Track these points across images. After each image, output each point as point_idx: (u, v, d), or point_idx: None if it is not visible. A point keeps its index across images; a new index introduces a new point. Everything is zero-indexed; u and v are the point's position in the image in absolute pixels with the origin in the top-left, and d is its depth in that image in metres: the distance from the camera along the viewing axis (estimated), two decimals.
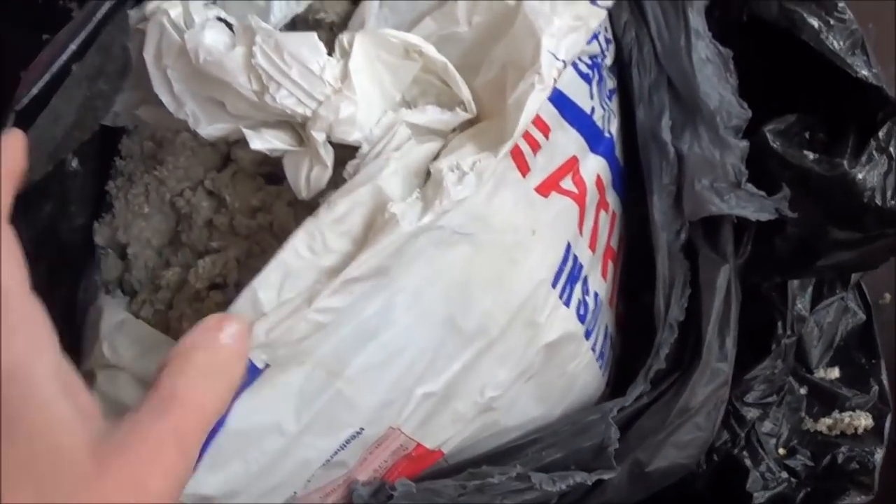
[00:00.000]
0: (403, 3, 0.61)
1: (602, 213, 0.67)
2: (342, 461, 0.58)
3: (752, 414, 0.71)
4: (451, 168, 0.53)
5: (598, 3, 0.61)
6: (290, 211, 0.63)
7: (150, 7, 0.62)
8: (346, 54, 0.57)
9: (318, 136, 0.56)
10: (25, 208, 0.65)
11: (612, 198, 0.68)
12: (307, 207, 0.61)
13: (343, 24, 0.65)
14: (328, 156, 0.56)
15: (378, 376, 0.57)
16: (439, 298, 0.57)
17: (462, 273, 0.58)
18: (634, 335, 0.73)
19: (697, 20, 0.69)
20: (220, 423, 0.54)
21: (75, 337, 0.69)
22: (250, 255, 0.63)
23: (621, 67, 0.70)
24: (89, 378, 0.62)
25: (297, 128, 0.58)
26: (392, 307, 0.56)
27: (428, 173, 0.56)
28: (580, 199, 0.63)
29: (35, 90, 0.65)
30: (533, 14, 0.56)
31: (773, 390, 0.71)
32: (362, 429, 0.58)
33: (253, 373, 0.52)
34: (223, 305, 0.61)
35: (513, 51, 0.57)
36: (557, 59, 0.56)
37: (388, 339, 0.57)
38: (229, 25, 0.59)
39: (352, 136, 0.56)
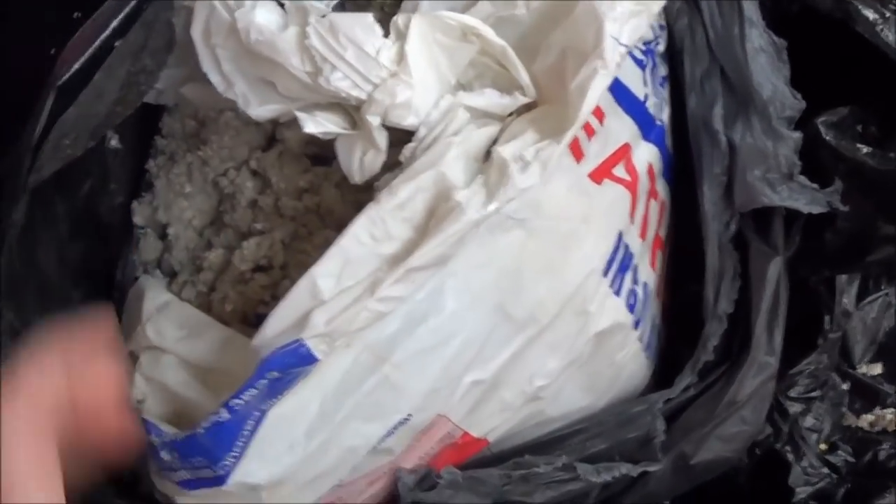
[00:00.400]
0: None
1: (652, 201, 0.65)
2: (388, 448, 0.57)
3: (795, 408, 0.69)
4: (515, 156, 0.52)
5: None
6: (337, 193, 0.61)
7: None
8: (401, 36, 0.55)
9: (373, 119, 0.54)
10: (66, 185, 0.64)
11: (661, 186, 0.67)
12: (355, 190, 0.60)
13: (395, 3, 0.64)
14: (382, 139, 0.55)
15: (426, 362, 0.56)
16: (491, 285, 0.56)
17: (515, 260, 0.56)
18: (678, 325, 0.72)
19: (751, 8, 0.67)
20: (263, 411, 0.53)
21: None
22: (296, 237, 0.62)
23: (672, 55, 0.69)
24: (131, 360, 0.60)
25: (349, 110, 0.57)
26: (442, 292, 0.54)
27: (486, 155, 0.55)
28: (632, 187, 0.62)
29: (77, 66, 0.63)
30: None
31: (817, 385, 0.70)
32: (410, 415, 0.56)
33: (309, 361, 0.51)
34: (268, 288, 0.60)
35: (573, 35, 0.56)
36: (620, 43, 0.55)
37: (438, 325, 0.55)
38: (281, 4, 0.58)
39: (407, 120, 0.55)
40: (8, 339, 0.61)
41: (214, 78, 0.58)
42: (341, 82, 0.54)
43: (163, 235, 0.67)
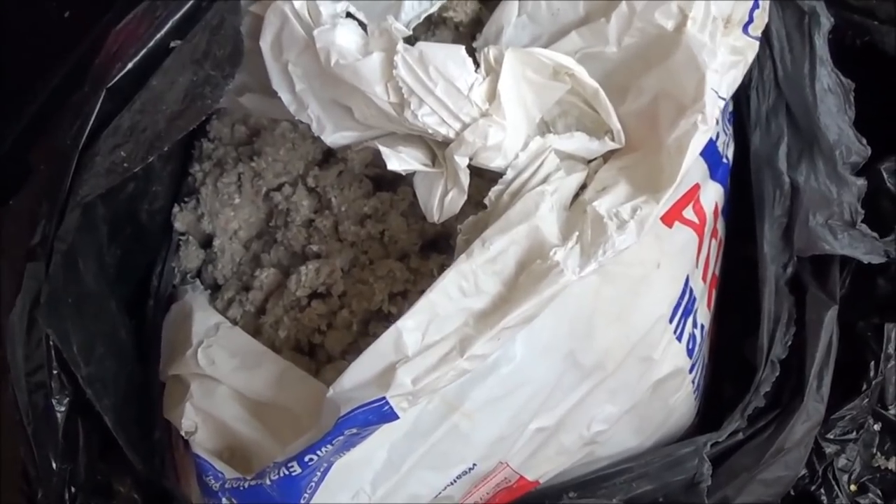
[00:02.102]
0: (544, 11, 0.56)
1: (713, 241, 0.62)
2: (449, 496, 0.54)
3: (831, 449, 0.68)
4: (611, 212, 0.48)
5: (750, 32, 0.56)
6: (403, 222, 0.57)
7: None
8: (492, 71, 0.51)
9: (461, 161, 0.50)
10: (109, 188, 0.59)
11: (721, 224, 0.64)
12: (421, 219, 0.56)
13: (470, 24, 0.59)
14: (466, 180, 0.51)
15: (496, 410, 0.53)
16: (564, 332, 0.53)
17: (588, 307, 0.54)
18: (718, 359, 0.70)
19: (822, 46, 0.64)
20: (332, 462, 0.50)
21: (144, 321, 0.64)
22: (356, 264, 0.58)
23: (738, 88, 0.65)
24: (179, 384, 0.56)
25: (431, 145, 0.53)
26: (514, 340, 0.51)
27: (574, 199, 0.52)
28: (700, 230, 0.59)
29: (129, 66, 0.58)
30: (696, 46, 0.51)
31: (854, 427, 0.68)
32: (475, 465, 0.54)
33: (390, 419, 0.47)
34: (325, 317, 0.57)
35: (670, 82, 0.52)
36: (720, 97, 0.51)
37: (509, 373, 0.52)
38: (361, 24, 0.53)
39: (495, 162, 0.51)
40: (51, 355, 0.57)
41: (286, 97, 0.54)
42: (429, 118, 0.50)
43: (204, 244, 0.63)
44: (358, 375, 0.48)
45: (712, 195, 0.60)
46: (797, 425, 0.63)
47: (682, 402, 0.62)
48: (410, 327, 0.47)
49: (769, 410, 0.64)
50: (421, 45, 0.50)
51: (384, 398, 0.46)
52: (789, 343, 0.64)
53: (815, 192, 0.63)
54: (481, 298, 0.48)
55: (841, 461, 0.68)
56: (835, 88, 0.64)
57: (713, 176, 0.61)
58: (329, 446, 0.47)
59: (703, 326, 0.62)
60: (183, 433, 0.54)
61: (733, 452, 0.63)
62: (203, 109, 0.55)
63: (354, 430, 0.47)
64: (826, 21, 0.64)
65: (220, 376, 0.55)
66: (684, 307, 0.59)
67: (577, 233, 0.49)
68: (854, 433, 0.68)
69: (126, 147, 0.55)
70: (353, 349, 0.57)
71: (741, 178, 0.66)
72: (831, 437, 0.67)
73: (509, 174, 0.51)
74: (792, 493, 0.67)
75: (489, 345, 0.47)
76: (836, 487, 0.67)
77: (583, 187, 0.53)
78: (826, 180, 0.63)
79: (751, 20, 0.56)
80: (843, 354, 0.67)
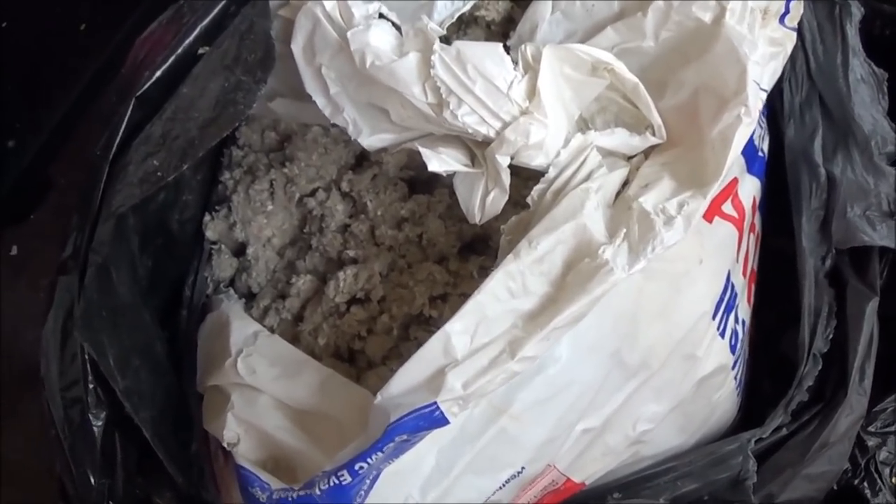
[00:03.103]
0: (579, 8, 0.54)
1: (751, 235, 0.61)
2: (498, 500, 0.53)
3: (872, 442, 0.66)
4: (657, 208, 0.47)
5: (787, 23, 0.54)
6: (441, 224, 0.56)
7: None
8: (530, 69, 0.50)
9: (503, 160, 0.49)
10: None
11: (758, 218, 0.62)
12: (457, 219, 0.55)
13: (502, 22, 0.58)
14: (508, 179, 0.50)
15: (543, 412, 0.51)
16: (609, 331, 0.52)
17: (633, 304, 0.52)
18: (757, 354, 0.68)
19: (854, 37, 0.63)
20: (381, 469, 0.48)
21: (177, 332, 0.63)
22: (394, 268, 0.56)
23: None
24: (218, 395, 0.55)
25: (470, 145, 0.51)
26: (559, 341, 0.50)
27: (617, 196, 0.50)
28: (739, 224, 0.58)
29: (158, 74, 0.57)
30: (736, 38, 0.50)
31: (895, 420, 0.67)
32: (523, 468, 0.52)
33: (441, 424, 0.46)
34: (365, 322, 0.55)
35: (711, 75, 0.51)
36: (762, 89, 0.50)
37: (555, 374, 0.51)
38: (395, 25, 0.52)
39: (536, 160, 0.50)
40: (87, 369, 0.55)
41: (320, 101, 0.53)
42: (468, 117, 0.49)
43: (238, 252, 0.62)
44: (406, 381, 0.46)
45: (750, 189, 0.59)
46: (841, 419, 0.61)
47: (725, 398, 0.61)
48: (459, 330, 0.46)
49: (812, 405, 0.62)
50: (458, 43, 0.49)
51: (435, 403, 0.45)
52: (831, 336, 0.62)
53: (852, 184, 0.62)
54: (529, 299, 0.47)
55: (882, 454, 0.67)
56: (868, 79, 0.63)
57: (750, 170, 0.59)
58: (379, 454, 0.46)
59: (744, 322, 0.61)
60: (225, 444, 0.53)
61: (777, 448, 0.62)
62: (236, 116, 0.53)
63: (405, 437, 0.46)
64: (857, 11, 0.63)
65: (261, 385, 0.53)
66: (726, 303, 0.57)
67: (623, 230, 0.47)
68: (895, 425, 0.67)
69: (159, 156, 0.54)
70: (394, 354, 0.56)
71: (774, 170, 0.65)
72: (872, 429, 0.66)
73: (551, 172, 0.50)
74: (835, 487, 0.66)
75: (539, 346, 0.46)
76: (878, 480, 0.66)
77: (625, 184, 0.51)
78: (862, 171, 0.62)
79: (787, 11, 0.55)
80: (882, 345, 0.66)
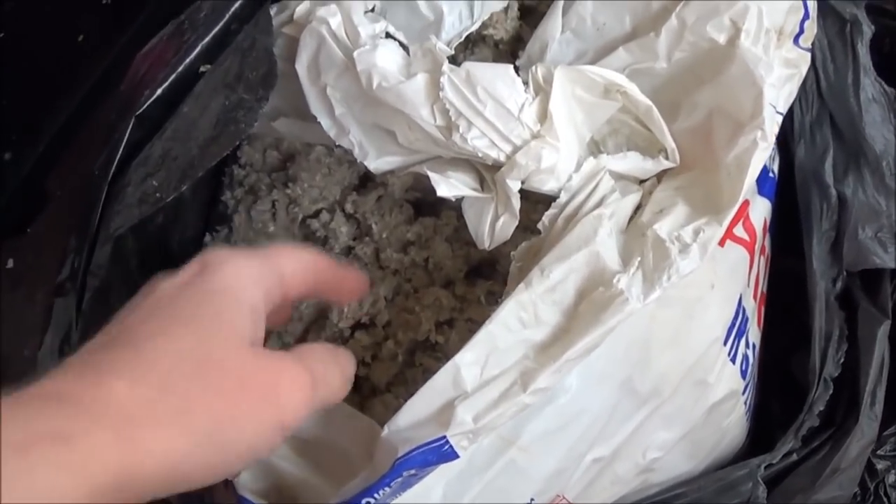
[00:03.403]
0: (589, 27, 0.52)
1: (761, 258, 0.59)
2: None
3: (882, 466, 0.64)
4: (672, 236, 0.45)
5: (801, 44, 0.52)
6: (448, 248, 0.54)
7: (300, 9, 0.52)
8: (541, 91, 0.48)
9: (513, 185, 0.47)
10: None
11: (768, 240, 0.60)
12: (465, 244, 0.53)
13: (510, 41, 0.56)
14: (518, 204, 0.48)
15: (553, 443, 0.49)
16: (620, 359, 0.50)
17: (645, 331, 0.50)
18: (766, 376, 0.66)
19: (865, 55, 0.61)
20: (388, 501, 0.46)
21: None
22: (399, 292, 0.54)
23: None
24: None
25: (479, 168, 0.49)
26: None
27: (629, 221, 0.48)
28: (750, 247, 0.56)
29: (158, 92, 0.55)
30: (752, 60, 0.48)
31: None
32: (532, 499, 0.50)
33: (451, 458, 0.44)
34: (370, 348, 0.53)
35: (725, 98, 0.49)
36: (777, 112, 0.48)
37: (564, 404, 0.49)
38: (402, 45, 0.50)
39: (547, 186, 0.48)
40: None
41: (325, 122, 0.51)
42: (478, 141, 0.47)
43: None
44: (415, 413, 0.44)
45: (761, 211, 0.57)
46: (852, 444, 0.59)
47: (734, 424, 0.59)
48: (469, 361, 0.44)
49: (822, 430, 0.60)
50: (467, 64, 0.47)
51: (444, 437, 0.43)
52: (842, 360, 0.60)
53: (864, 205, 0.60)
54: (541, 329, 0.44)
55: (892, 477, 0.65)
56: (879, 98, 0.61)
57: (761, 191, 0.57)
58: (387, 489, 0.44)
59: (754, 346, 0.59)
60: None
61: (787, 474, 0.60)
62: (237, 134, 0.51)
63: (413, 472, 0.44)
64: (868, 29, 0.61)
65: None
66: (738, 328, 0.55)
67: (638, 258, 0.45)
68: None
69: (158, 176, 0.52)
70: (399, 381, 0.54)
71: (784, 191, 0.63)
72: (882, 453, 0.64)
73: (563, 197, 0.48)
74: None
75: (552, 378, 0.44)
76: None
77: (637, 209, 0.49)
78: (874, 192, 0.60)
79: (801, 31, 0.53)
80: (892, 368, 0.64)
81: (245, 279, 0.40)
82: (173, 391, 0.35)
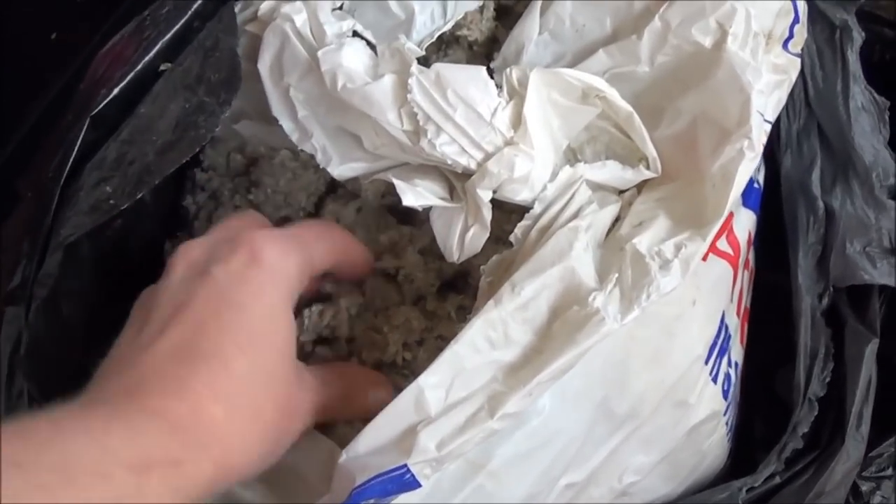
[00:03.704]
0: (568, 29, 0.49)
1: (745, 272, 0.55)
2: None
3: (866, 487, 0.61)
4: (652, 251, 0.41)
5: (790, 49, 0.49)
6: (420, 260, 0.50)
7: (265, 6, 0.48)
8: (515, 94, 0.44)
9: (484, 194, 0.43)
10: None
11: (752, 254, 0.57)
12: (438, 257, 0.49)
13: (485, 42, 0.52)
14: (489, 215, 0.44)
15: (524, 468, 0.46)
16: (597, 379, 0.46)
17: (623, 350, 0.47)
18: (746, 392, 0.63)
19: (856, 63, 0.57)
20: None
21: None
22: (368, 308, 0.50)
23: None
24: None
25: (448, 176, 0.46)
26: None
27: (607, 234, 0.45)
28: (734, 261, 0.52)
29: (115, 92, 0.51)
30: (739, 65, 0.44)
31: (891, 464, 0.61)
32: None
33: (412, 487, 0.40)
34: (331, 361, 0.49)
35: (710, 104, 0.45)
36: (766, 120, 0.44)
37: (536, 427, 0.45)
38: (370, 44, 0.46)
39: (520, 195, 0.44)
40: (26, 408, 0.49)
41: (287, 125, 0.47)
42: (448, 147, 0.43)
43: None
44: (374, 439, 0.41)
45: (745, 223, 0.54)
46: (837, 467, 0.56)
47: (715, 445, 0.55)
48: (433, 384, 0.40)
49: (807, 452, 0.57)
50: (437, 66, 0.43)
51: (405, 465, 0.39)
52: (828, 380, 0.57)
53: (852, 218, 0.57)
54: (511, 350, 0.41)
55: (877, 498, 0.61)
56: (868, 107, 0.58)
57: (746, 203, 0.54)
58: None
59: (737, 364, 0.55)
60: None
61: (770, 497, 0.56)
62: (197, 140, 0.48)
63: (371, 502, 0.40)
64: (858, 36, 0.58)
65: None
66: (720, 346, 0.52)
67: (616, 274, 0.42)
68: (890, 469, 0.61)
69: (112, 182, 0.48)
70: None
71: (769, 202, 0.59)
72: (867, 474, 0.60)
73: (537, 208, 0.44)
74: None
75: (522, 402, 0.40)
76: None
77: (615, 221, 0.46)
78: (863, 205, 0.57)
79: (791, 35, 0.49)
80: (878, 387, 0.60)
81: (292, 275, 0.42)
82: (260, 418, 0.39)
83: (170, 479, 0.34)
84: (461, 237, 0.45)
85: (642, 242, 0.42)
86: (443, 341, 0.47)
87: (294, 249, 0.42)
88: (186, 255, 0.43)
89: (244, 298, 0.40)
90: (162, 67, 0.52)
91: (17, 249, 0.54)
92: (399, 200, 0.52)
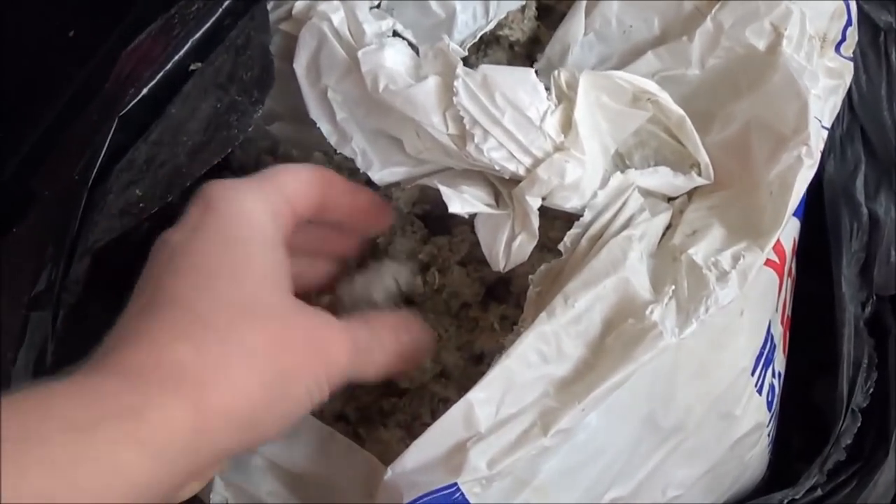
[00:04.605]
0: (615, 30, 0.47)
1: (788, 280, 0.53)
2: None
3: None
4: (708, 262, 0.39)
5: (842, 53, 0.47)
6: (463, 272, 0.48)
7: (300, 5, 0.46)
8: (565, 98, 0.42)
9: (533, 201, 0.41)
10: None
11: (794, 261, 0.55)
12: (481, 263, 0.47)
13: (527, 43, 0.50)
14: (537, 223, 0.42)
15: (571, 483, 0.43)
16: (644, 393, 0.44)
17: (670, 363, 0.44)
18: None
19: None
20: None
21: None
22: None
23: None
24: None
25: (494, 182, 0.43)
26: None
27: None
28: (780, 270, 0.50)
29: (144, 91, 0.49)
30: (796, 69, 0.42)
31: None
32: None
33: None
34: None
35: (765, 110, 0.43)
36: (823, 126, 0.42)
37: (585, 441, 0.43)
38: (411, 45, 0.44)
39: (570, 203, 0.42)
40: None
41: (326, 128, 0.45)
42: (496, 152, 0.41)
43: None
44: (422, 455, 0.38)
45: (790, 231, 0.51)
46: (881, 479, 0.54)
47: (757, 457, 0.53)
48: (483, 399, 0.38)
49: (849, 464, 0.55)
50: (484, 68, 0.41)
51: (455, 484, 0.37)
52: (871, 391, 0.55)
53: None
54: (563, 364, 0.39)
55: None
56: None
57: None
58: None
59: (780, 375, 0.53)
60: None
61: None
62: (229, 141, 0.45)
63: None
64: None
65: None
66: (766, 356, 0.50)
67: (671, 286, 0.39)
68: None
69: (142, 184, 0.46)
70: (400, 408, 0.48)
71: (811, 208, 0.57)
72: None
73: (587, 216, 0.42)
74: None
75: (575, 418, 0.38)
76: None
77: (666, 229, 0.43)
78: None
79: (843, 39, 0.47)
80: None
81: (252, 212, 0.39)
82: (237, 343, 0.35)
83: (128, 430, 0.31)
84: (508, 245, 0.43)
85: (698, 253, 0.40)
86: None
87: (256, 192, 0.40)
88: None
89: (196, 245, 0.38)
90: (192, 67, 0.50)
91: (40, 253, 0.51)
92: (429, 209, 0.50)
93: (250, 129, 0.50)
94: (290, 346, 0.37)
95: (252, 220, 0.39)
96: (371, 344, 0.41)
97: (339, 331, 0.39)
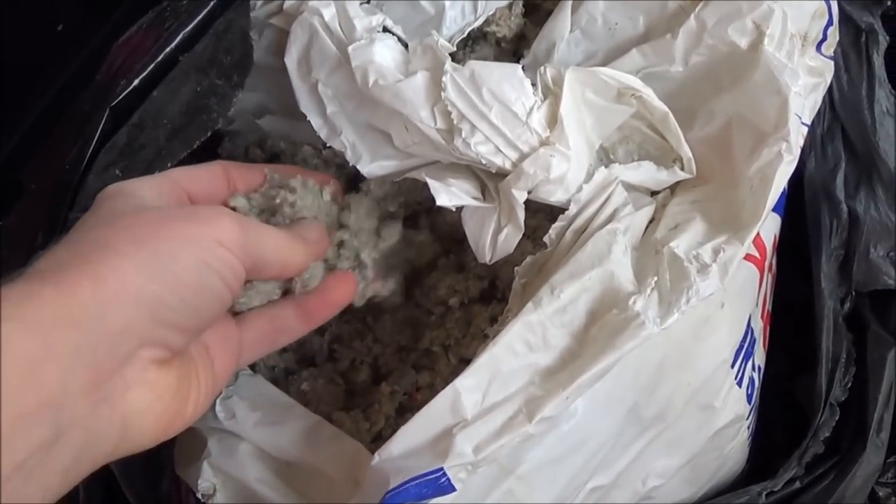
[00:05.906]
0: (600, 27, 0.47)
1: (769, 275, 0.54)
2: None
3: (883, 493, 0.60)
4: (690, 255, 0.40)
5: (823, 52, 0.48)
6: (463, 278, 0.49)
7: (290, 1, 0.46)
8: (551, 93, 0.43)
9: (519, 195, 0.42)
10: None
11: (775, 257, 0.56)
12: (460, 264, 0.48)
13: (513, 39, 0.51)
14: (523, 216, 0.43)
15: (554, 472, 0.45)
16: (628, 383, 0.45)
17: (654, 354, 0.45)
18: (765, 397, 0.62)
19: (881, 66, 0.56)
20: None
21: None
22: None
23: None
24: (193, 438, 0.48)
25: (481, 175, 0.44)
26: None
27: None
28: (760, 264, 0.51)
29: (135, 83, 0.50)
30: (777, 66, 0.43)
31: None
32: None
33: (447, 491, 0.39)
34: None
35: (747, 106, 0.44)
36: (803, 123, 0.43)
37: (568, 431, 0.44)
38: (401, 41, 0.45)
39: (555, 196, 0.43)
40: None
41: (316, 121, 0.46)
42: (482, 146, 0.42)
43: None
44: (409, 441, 0.39)
45: (771, 226, 0.53)
46: (858, 473, 0.55)
47: (737, 450, 0.54)
48: (469, 387, 0.39)
49: (827, 457, 0.56)
50: (472, 63, 0.42)
51: (441, 469, 0.38)
52: (849, 385, 0.56)
53: (876, 223, 0.56)
54: (549, 353, 0.40)
55: (891, 502, 0.61)
56: (893, 111, 0.57)
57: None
58: None
59: (760, 368, 0.54)
60: (199, 495, 0.46)
61: (790, 501, 0.55)
62: (208, 124, 0.46)
63: None
64: (884, 39, 0.57)
65: (242, 432, 0.46)
66: (745, 350, 0.51)
67: (654, 278, 0.40)
68: None
69: (121, 165, 0.47)
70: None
71: (791, 205, 0.58)
72: (884, 480, 0.60)
73: (572, 209, 0.43)
74: None
75: (559, 406, 0.39)
76: None
77: (650, 222, 0.44)
78: (887, 210, 0.56)
79: (824, 38, 0.48)
80: None
81: (129, 186, 0.39)
82: (117, 237, 0.35)
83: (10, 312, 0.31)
84: (494, 238, 0.43)
85: (680, 246, 0.41)
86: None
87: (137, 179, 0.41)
88: None
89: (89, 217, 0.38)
90: (182, 59, 0.50)
91: (30, 242, 0.52)
92: (403, 204, 0.50)
93: (239, 121, 0.51)
94: (168, 224, 0.36)
95: (123, 189, 0.39)
96: (260, 226, 0.41)
97: (216, 209, 0.39)
